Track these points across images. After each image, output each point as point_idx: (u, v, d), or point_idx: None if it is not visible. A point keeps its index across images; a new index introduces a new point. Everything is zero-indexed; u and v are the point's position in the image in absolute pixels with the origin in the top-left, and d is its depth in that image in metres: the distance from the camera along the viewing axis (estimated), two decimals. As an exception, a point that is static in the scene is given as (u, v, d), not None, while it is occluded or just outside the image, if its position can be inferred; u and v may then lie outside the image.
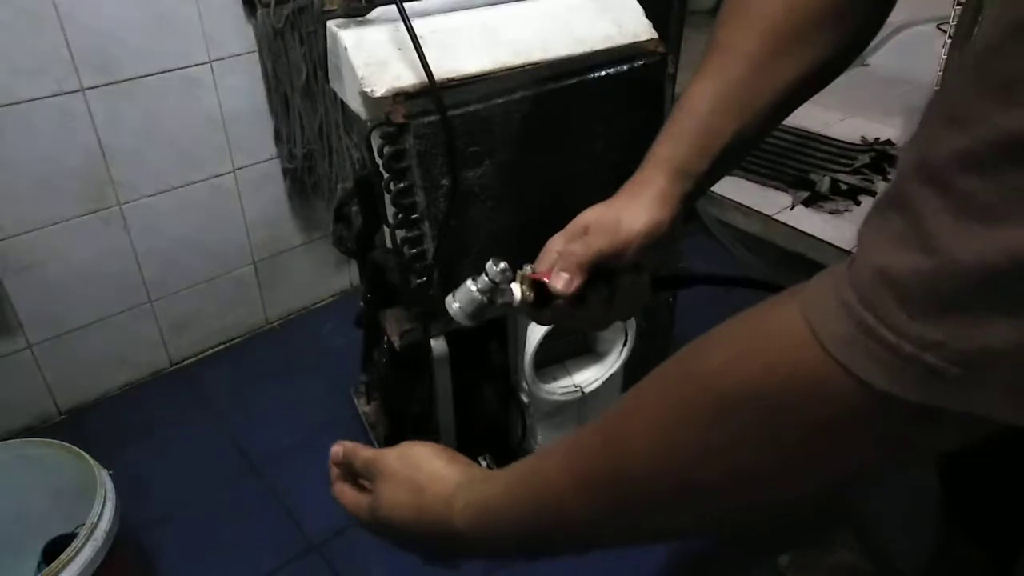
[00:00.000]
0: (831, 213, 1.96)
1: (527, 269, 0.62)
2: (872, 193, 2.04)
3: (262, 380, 1.61)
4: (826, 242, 1.84)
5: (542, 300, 0.61)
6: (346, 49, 0.89)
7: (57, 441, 1.08)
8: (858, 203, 2.00)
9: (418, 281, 0.97)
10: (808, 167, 2.16)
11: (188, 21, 1.38)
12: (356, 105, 0.92)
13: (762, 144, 2.24)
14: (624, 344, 1.24)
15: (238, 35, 1.44)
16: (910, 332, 0.28)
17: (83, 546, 0.93)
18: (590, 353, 1.29)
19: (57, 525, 1.09)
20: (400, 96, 0.87)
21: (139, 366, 1.62)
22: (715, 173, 0.64)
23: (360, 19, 0.92)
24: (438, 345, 1.09)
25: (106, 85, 1.34)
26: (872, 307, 0.29)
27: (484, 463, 1.20)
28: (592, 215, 0.64)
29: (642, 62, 1.01)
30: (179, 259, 1.57)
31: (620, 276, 0.63)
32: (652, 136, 0.65)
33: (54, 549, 1.03)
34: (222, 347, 1.72)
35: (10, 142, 1.28)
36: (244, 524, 1.31)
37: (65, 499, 1.07)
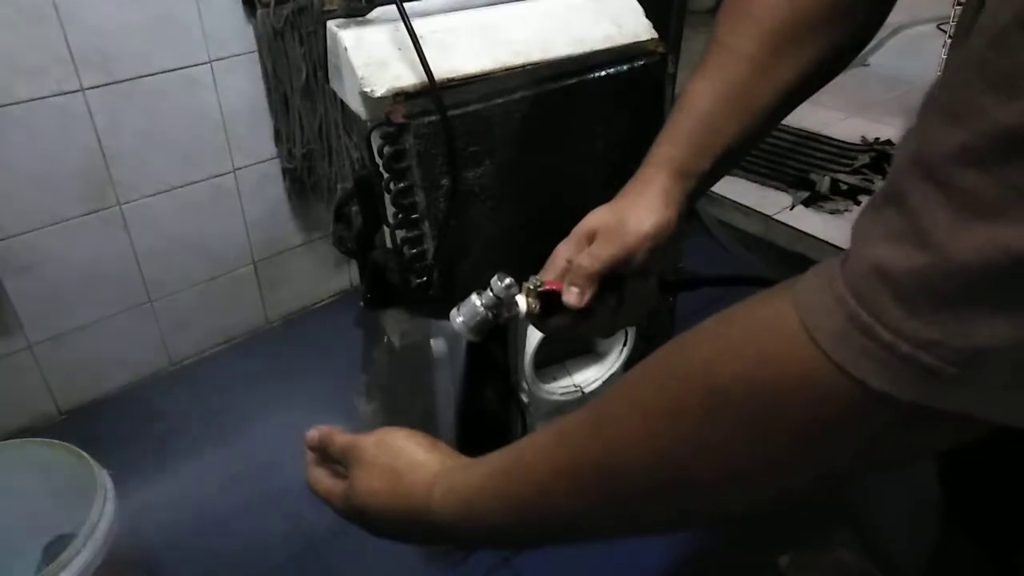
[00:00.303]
0: (831, 213, 1.96)
1: (533, 281, 0.61)
2: (872, 193, 2.04)
3: (262, 380, 1.61)
4: (826, 242, 1.84)
5: (548, 311, 0.60)
6: (346, 49, 0.89)
7: (57, 441, 1.08)
8: (858, 203, 2.00)
9: (418, 281, 0.97)
10: (808, 167, 2.16)
11: (188, 21, 1.38)
12: (356, 105, 0.92)
13: (762, 144, 2.24)
14: (624, 344, 1.24)
15: (238, 35, 1.44)
16: (906, 330, 0.28)
17: (83, 546, 0.93)
18: (590, 353, 1.29)
19: (57, 525, 1.09)
20: (400, 96, 0.87)
21: (139, 366, 1.62)
22: (716, 172, 0.63)
23: (360, 19, 0.92)
24: (438, 345, 1.09)
25: (106, 85, 1.34)
26: (867, 303, 0.29)
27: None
28: (597, 219, 0.63)
29: (642, 62, 1.01)
30: (179, 259, 1.57)
31: (628, 282, 0.62)
32: (652, 136, 0.65)
33: (54, 549, 1.03)
34: (222, 347, 1.72)
35: (10, 142, 1.28)
36: (244, 523, 1.31)
37: (65, 499, 1.07)
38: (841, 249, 0.33)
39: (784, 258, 1.92)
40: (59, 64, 1.28)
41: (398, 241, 0.96)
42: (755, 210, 2.01)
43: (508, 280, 0.60)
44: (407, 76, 0.88)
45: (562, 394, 1.23)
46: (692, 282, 0.76)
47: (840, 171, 2.13)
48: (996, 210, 0.25)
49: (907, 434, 0.31)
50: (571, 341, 1.24)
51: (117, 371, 1.59)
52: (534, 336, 1.13)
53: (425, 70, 0.85)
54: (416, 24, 0.86)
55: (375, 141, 0.89)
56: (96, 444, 1.09)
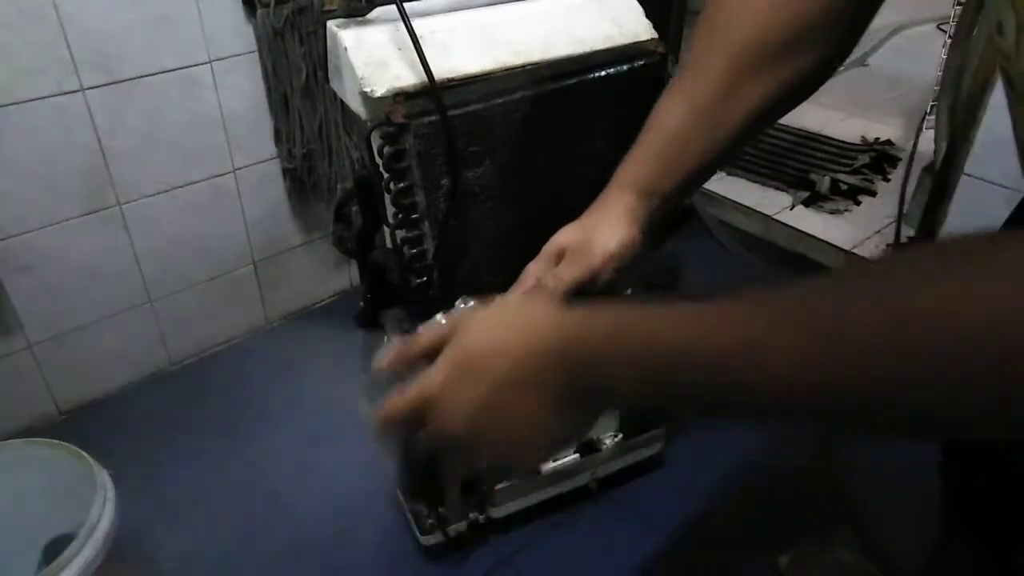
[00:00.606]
0: (831, 213, 1.96)
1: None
2: (872, 193, 2.04)
3: (262, 380, 1.61)
4: (826, 242, 1.84)
5: None
6: (346, 49, 0.89)
7: (57, 441, 1.08)
8: (858, 203, 2.00)
9: (418, 281, 0.97)
10: (808, 167, 2.16)
11: (188, 21, 1.38)
12: (356, 105, 0.92)
13: (762, 144, 2.24)
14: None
15: (238, 35, 1.44)
16: None
17: (83, 546, 0.93)
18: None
19: (57, 525, 1.09)
20: (400, 96, 0.87)
21: (139, 366, 1.62)
22: (682, 191, 0.66)
23: (360, 19, 0.92)
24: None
25: (106, 85, 1.34)
26: None
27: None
28: (565, 237, 0.66)
29: (642, 62, 1.01)
30: (179, 259, 1.57)
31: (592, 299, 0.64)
32: (652, 136, 0.65)
33: (54, 549, 1.03)
34: (222, 347, 1.72)
35: (10, 142, 1.28)
36: (244, 523, 1.31)
37: (65, 499, 1.07)
38: (841, 249, 0.32)
39: (784, 258, 1.92)
40: (59, 64, 1.28)
41: (398, 241, 0.96)
42: (755, 210, 2.01)
43: (472, 302, 0.61)
44: (407, 76, 0.88)
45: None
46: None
47: (840, 171, 2.13)
48: None
49: None
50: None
51: (117, 371, 1.59)
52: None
53: (425, 70, 0.85)
54: (416, 24, 0.86)
55: (375, 141, 0.89)
56: (96, 444, 1.09)
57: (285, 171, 1.62)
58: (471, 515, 1.22)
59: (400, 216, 0.93)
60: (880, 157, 2.19)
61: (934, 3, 2.42)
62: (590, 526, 1.30)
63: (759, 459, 1.43)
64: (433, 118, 0.87)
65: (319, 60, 1.45)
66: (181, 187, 1.51)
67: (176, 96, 1.42)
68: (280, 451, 1.45)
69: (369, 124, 0.89)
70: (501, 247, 1.01)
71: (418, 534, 1.19)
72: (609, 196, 0.66)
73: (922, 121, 1.84)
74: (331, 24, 0.93)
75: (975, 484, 0.97)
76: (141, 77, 1.37)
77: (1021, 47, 0.53)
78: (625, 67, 0.99)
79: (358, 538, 1.27)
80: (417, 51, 0.85)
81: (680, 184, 0.64)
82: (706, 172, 0.65)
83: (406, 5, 0.86)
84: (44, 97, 1.29)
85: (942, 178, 1.61)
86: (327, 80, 1.02)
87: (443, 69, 0.89)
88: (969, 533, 1.01)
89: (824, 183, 2.06)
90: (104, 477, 1.02)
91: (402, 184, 0.91)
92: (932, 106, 1.65)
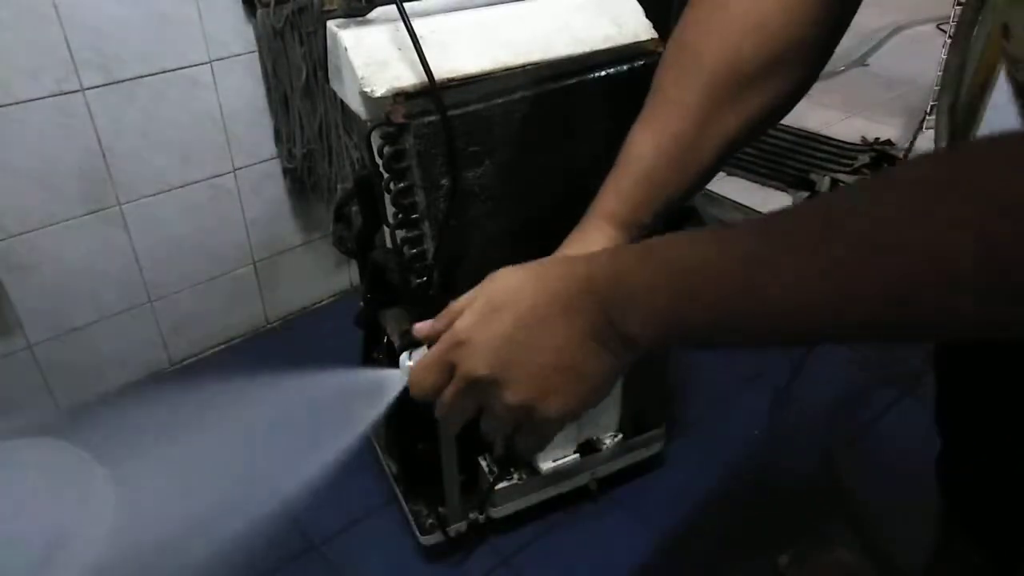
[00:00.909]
0: (831, 213, 1.96)
1: None
2: (872, 193, 2.04)
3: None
4: (826, 242, 1.84)
5: None
6: (346, 49, 0.89)
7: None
8: (858, 203, 2.00)
9: (418, 281, 0.97)
10: (808, 167, 2.16)
11: (188, 21, 1.38)
12: (356, 105, 0.92)
13: (762, 144, 2.24)
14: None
15: (238, 35, 1.44)
16: None
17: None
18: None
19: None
20: (400, 96, 0.87)
21: (139, 366, 1.62)
22: (662, 217, 0.65)
23: (360, 19, 0.92)
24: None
25: (106, 85, 1.34)
26: None
27: (484, 463, 1.20)
28: None
29: (642, 62, 1.01)
30: (179, 259, 1.57)
31: None
32: (652, 136, 0.65)
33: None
34: (222, 347, 1.72)
35: (10, 142, 1.28)
36: (244, 523, 1.31)
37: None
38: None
39: (784, 258, 1.92)
40: (59, 64, 1.28)
41: (398, 241, 0.96)
42: (755, 210, 2.01)
43: None
44: (407, 76, 0.88)
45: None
46: None
47: (840, 171, 2.12)
48: None
49: None
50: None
51: (117, 371, 1.59)
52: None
53: (425, 70, 0.85)
54: (416, 24, 0.86)
55: (375, 141, 0.89)
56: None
57: (285, 171, 1.62)
58: (471, 515, 1.22)
59: (400, 216, 0.93)
60: (880, 157, 2.19)
61: (934, 3, 2.42)
62: (590, 526, 1.30)
63: (759, 459, 1.43)
64: (433, 118, 0.87)
65: (319, 60, 1.45)
66: (181, 187, 1.51)
67: (176, 96, 1.42)
68: (280, 450, 1.45)
69: (369, 124, 0.89)
70: (501, 247, 1.01)
71: (418, 534, 1.19)
72: (588, 227, 0.66)
73: (922, 121, 1.84)
74: (331, 24, 0.93)
75: (975, 484, 0.97)
76: (141, 77, 1.37)
77: None
78: (625, 67, 0.99)
79: (358, 538, 1.27)
80: (417, 51, 0.85)
81: (659, 212, 0.64)
82: (684, 198, 0.65)
83: (406, 5, 0.86)
84: (44, 97, 1.29)
85: (942, 178, 1.60)
86: (327, 80, 1.02)
87: (443, 69, 0.89)
88: (969, 533, 1.01)
89: (824, 183, 2.06)
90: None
91: (402, 184, 0.91)
92: (932, 106, 1.65)
